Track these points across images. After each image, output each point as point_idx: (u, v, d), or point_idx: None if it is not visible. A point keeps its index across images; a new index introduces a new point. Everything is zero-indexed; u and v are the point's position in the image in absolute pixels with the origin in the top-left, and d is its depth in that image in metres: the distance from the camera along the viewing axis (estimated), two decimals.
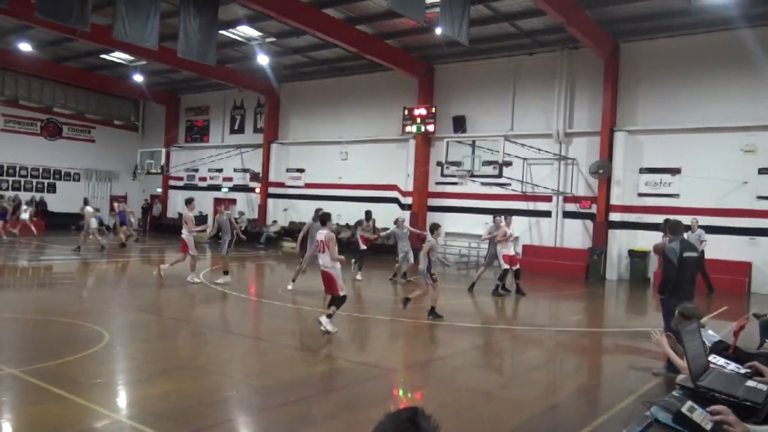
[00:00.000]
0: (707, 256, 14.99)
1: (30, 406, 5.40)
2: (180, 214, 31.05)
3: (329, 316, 8.82)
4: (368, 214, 16.79)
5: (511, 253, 13.94)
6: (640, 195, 18.68)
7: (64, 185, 31.28)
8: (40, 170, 30.52)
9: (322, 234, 8.91)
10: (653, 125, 18.40)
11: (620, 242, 18.76)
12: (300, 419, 5.47)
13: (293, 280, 13.09)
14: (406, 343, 9.46)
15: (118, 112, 32.94)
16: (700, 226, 15.68)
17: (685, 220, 8.77)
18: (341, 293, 8.87)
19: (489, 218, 20.40)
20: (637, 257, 18.16)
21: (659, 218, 16.84)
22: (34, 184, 30.32)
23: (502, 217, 14.21)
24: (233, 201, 29.71)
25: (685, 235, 14.90)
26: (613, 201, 18.81)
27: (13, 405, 5.50)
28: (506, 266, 13.61)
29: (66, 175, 31.49)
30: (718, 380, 2.65)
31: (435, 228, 11.01)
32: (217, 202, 28.50)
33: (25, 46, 23.46)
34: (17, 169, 29.66)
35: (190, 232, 13.52)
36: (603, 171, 18.71)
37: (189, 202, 14.20)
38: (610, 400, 6.56)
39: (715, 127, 17.23)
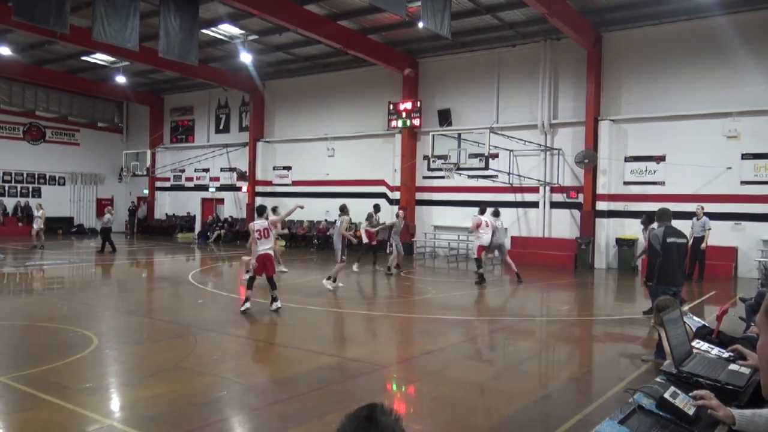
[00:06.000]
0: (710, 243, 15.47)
1: (18, 413, 5.35)
2: (167, 215, 31.03)
3: (274, 299, 10.16)
4: (377, 207, 17.46)
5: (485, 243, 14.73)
6: (626, 183, 18.81)
7: (49, 189, 31.01)
8: (24, 175, 30.23)
9: (262, 224, 10.15)
10: (637, 114, 18.51)
11: (608, 231, 18.89)
12: (292, 417, 5.46)
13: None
14: (397, 337, 9.47)
15: (101, 114, 32.70)
16: (706, 213, 15.74)
17: (672, 207, 8.82)
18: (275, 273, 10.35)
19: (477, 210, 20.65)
20: (625, 245, 18.29)
21: (645, 206, 17.05)
22: (19, 189, 30.04)
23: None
24: (221, 201, 29.61)
25: (691, 222, 15.21)
26: (600, 190, 18.93)
27: (0, 412, 5.45)
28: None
29: (51, 179, 31.23)
30: (701, 365, 2.67)
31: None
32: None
33: (4, 50, 23.15)
34: (0, 174, 29.36)
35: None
36: (588, 161, 18.81)
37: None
38: (600, 388, 6.62)
39: (698, 114, 17.37)
